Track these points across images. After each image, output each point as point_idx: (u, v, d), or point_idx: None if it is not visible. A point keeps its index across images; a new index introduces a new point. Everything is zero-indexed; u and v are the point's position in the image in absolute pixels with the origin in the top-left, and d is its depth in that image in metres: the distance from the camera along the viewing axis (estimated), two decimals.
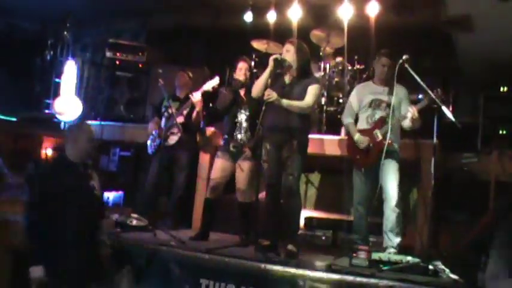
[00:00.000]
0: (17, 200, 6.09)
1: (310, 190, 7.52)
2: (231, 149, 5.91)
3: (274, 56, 5.33)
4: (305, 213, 6.53)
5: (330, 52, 7.50)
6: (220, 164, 5.97)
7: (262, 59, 7.38)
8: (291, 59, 5.36)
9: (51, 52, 8.75)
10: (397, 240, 5.38)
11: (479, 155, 6.56)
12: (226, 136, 6.02)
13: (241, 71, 6.00)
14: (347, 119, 5.86)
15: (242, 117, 5.93)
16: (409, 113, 5.39)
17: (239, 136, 5.89)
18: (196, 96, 6.47)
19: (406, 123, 5.51)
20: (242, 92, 5.98)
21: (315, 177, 7.61)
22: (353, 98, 5.88)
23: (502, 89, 6.91)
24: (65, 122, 8.19)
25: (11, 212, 5.73)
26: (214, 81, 6.44)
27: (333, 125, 6.71)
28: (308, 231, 6.45)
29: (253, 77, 6.03)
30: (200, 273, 4.70)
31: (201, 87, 6.49)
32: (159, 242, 5.36)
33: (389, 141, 5.37)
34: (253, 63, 7.32)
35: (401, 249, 5.44)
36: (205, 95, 6.53)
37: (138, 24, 9.18)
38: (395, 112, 5.50)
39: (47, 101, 8.43)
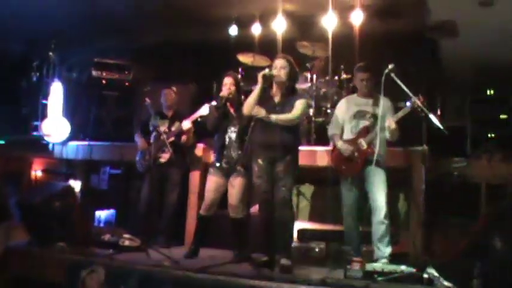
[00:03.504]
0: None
1: (302, 202, 7.52)
2: (223, 165, 5.89)
3: (262, 72, 5.34)
4: (298, 225, 6.51)
5: (319, 64, 7.52)
6: (214, 182, 5.93)
7: (248, 72, 7.40)
8: (285, 76, 5.40)
9: (37, 74, 8.72)
10: (388, 250, 5.38)
11: (468, 159, 6.58)
12: (217, 153, 5.98)
13: (225, 86, 5.99)
14: (332, 130, 5.90)
15: (233, 133, 5.92)
16: (386, 124, 5.43)
17: (231, 153, 5.86)
18: (186, 125, 6.49)
19: (387, 134, 5.55)
20: (232, 109, 5.96)
21: (306, 188, 7.61)
22: (339, 111, 5.92)
23: (488, 92, 6.95)
24: (53, 144, 8.16)
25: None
26: (206, 110, 6.40)
27: (322, 136, 6.71)
28: (301, 244, 6.42)
29: (240, 91, 6.00)
30: None
31: (196, 113, 6.48)
32: (152, 262, 5.32)
33: (375, 150, 5.39)
34: (240, 77, 7.34)
35: (395, 257, 5.45)
36: (196, 122, 6.54)
37: (123, 42, 9.15)
38: (380, 122, 5.52)
39: (35, 123, 8.38)
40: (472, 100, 6.85)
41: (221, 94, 5.91)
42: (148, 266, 5.13)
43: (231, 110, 5.93)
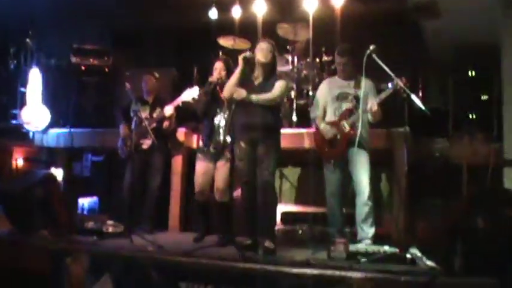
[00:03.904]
0: None
1: (285, 185, 7.51)
2: (211, 150, 5.90)
3: (243, 55, 5.37)
4: (281, 208, 6.52)
5: (300, 46, 7.49)
6: (202, 166, 5.98)
7: (229, 56, 7.36)
8: (271, 60, 5.42)
9: (15, 61, 8.61)
10: (371, 231, 5.45)
11: (450, 139, 6.61)
12: (206, 138, 6.00)
13: (216, 70, 5.97)
14: (314, 113, 5.89)
15: (221, 118, 5.92)
16: (368, 106, 5.43)
17: (219, 138, 5.87)
18: (169, 110, 6.44)
19: (369, 116, 5.56)
20: (221, 94, 5.94)
21: (289, 171, 7.59)
22: (320, 93, 5.93)
23: (470, 73, 6.96)
24: (33, 132, 8.08)
25: None
26: (194, 91, 6.33)
27: (303, 118, 6.71)
28: (285, 226, 6.43)
29: (231, 73, 5.98)
30: (179, 276, 4.64)
31: (178, 99, 6.44)
32: (136, 248, 5.31)
33: (358, 131, 5.39)
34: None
35: (378, 238, 5.49)
36: (178, 108, 6.50)
37: (102, 27, 9.05)
38: (362, 104, 5.53)
39: (14, 111, 8.29)
40: (454, 81, 6.85)
41: (210, 79, 5.91)
42: (132, 251, 5.11)
43: (221, 95, 5.91)
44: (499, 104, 6.43)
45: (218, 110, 5.92)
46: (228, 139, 5.73)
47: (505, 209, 4.15)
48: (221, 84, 5.84)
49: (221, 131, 5.86)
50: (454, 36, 7.36)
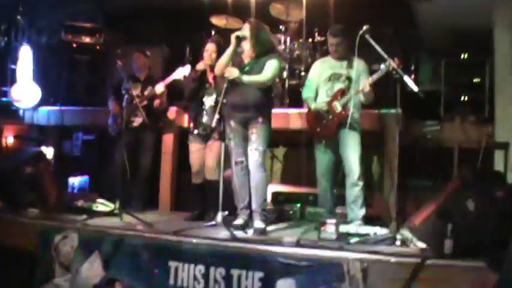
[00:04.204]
0: None
1: (275, 165, 7.53)
2: (201, 132, 5.97)
3: (235, 34, 5.33)
4: (272, 188, 6.52)
5: (293, 26, 7.44)
6: (195, 148, 6.08)
7: (221, 35, 7.32)
8: (254, 38, 5.35)
9: (5, 38, 8.49)
10: (361, 212, 5.46)
11: (442, 122, 6.62)
12: (194, 121, 6.07)
13: (207, 52, 5.96)
14: (307, 93, 5.87)
15: (209, 100, 5.96)
16: (360, 87, 5.42)
17: (207, 120, 5.92)
18: (160, 88, 6.42)
19: (361, 97, 5.55)
20: (211, 76, 5.94)
21: (280, 151, 7.61)
22: (312, 73, 5.91)
23: (462, 55, 6.95)
24: (24, 109, 8.01)
25: None
26: (186, 70, 6.30)
27: (296, 99, 6.68)
28: (276, 206, 6.43)
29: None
30: (169, 256, 4.63)
31: (170, 77, 6.40)
32: (126, 226, 5.31)
33: (349, 112, 5.38)
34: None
35: (369, 219, 5.51)
36: (169, 85, 6.47)
37: (94, 4, 8.95)
38: (354, 84, 5.52)
39: (4, 88, 8.21)
40: (446, 63, 6.84)
41: (197, 67, 5.90)
42: (122, 230, 5.10)
43: (210, 77, 5.90)
44: (491, 87, 6.43)
45: (206, 94, 5.96)
46: (216, 121, 5.71)
47: (495, 191, 4.15)
48: (211, 66, 5.87)
49: (209, 113, 5.92)
50: (447, 19, 7.31)
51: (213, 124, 5.51)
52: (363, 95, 5.49)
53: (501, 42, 6.24)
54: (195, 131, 6.04)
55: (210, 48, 5.99)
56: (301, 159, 6.60)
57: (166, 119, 7.01)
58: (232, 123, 5.39)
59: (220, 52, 5.82)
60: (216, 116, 5.46)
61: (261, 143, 5.27)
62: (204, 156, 6.03)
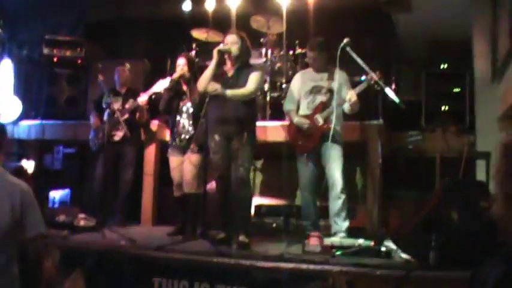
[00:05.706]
0: None
1: (258, 177, 7.50)
2: (178, 143, 5.92)
3: (218, 48, 5.31)
4: (254, 201, 6.49)
5: (273, 39, 7.45)
6: (174, 161, 6.03)
7: (203, 48, 7.33)
8: (237, 51, 5.36)
9: None
10: (345, 224, 5.45)
11: (423, 132, 6.66)
12: (172, 132, 6.04)
13: (178, 67, 5.97)
14: (289, 106, 5.88)
15: (184, 112, 5.94)
16: (347, 97, 5.42)
17: (183, 131, 5.90)
18: (142, 99, 6.39)
19: (346, 107, 5.56)
20: (185, 87, 5.93)
21: (262, 164, 7.59)
22: (294, 85, 5.92)
23: (442, 66, 7.01)
24: (4, 123, 7.92)
25: None
26: (166, 82, 6.24)
27: (277, 111, 6.69)
28: (258, 219, 6.41)
29: (194, 68, 5.95)
30: (152, 271, 4.59)
31: (151, 89, 6.37)
32: (108, 242, 5.25)
33: (331, 125, 5.39)
34: (194, 53, 7.37)
35: (353, 231, 5.50)
36: (150, 99, 6.47)
37: (75, 18, 8.91)
38: (336, 96, 5.52)
39: None
40: (427, 74, 6.89)
41: (171, 77, 5.91)
42: (105, 246, 5.06)
43: (184, 88, 5.89)
44: (472, 97, 6.48)
45: (181, 105, 5.94)
46: (191, 132, 5.72)
47: (478, 201, 4.17)
48: (184, 77, 5.90)
49: (185, 124, 5.88)
50: (427, 30, 7.38)
51: (190, 129, 5.51)
52: (349, 105, 5.48)
53: (480, 52, 6.30)
54: (173, 143, 5.99)
55: (181, 62, 5.99)
56: (284, 172, 6.59)
57: (148, 132, 6.97)
58: (215, 137, 5.34)
59: (191, 66, 5.90)
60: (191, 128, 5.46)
61: (245, 159, 5.25)
62: (182, 169, 5.99)
